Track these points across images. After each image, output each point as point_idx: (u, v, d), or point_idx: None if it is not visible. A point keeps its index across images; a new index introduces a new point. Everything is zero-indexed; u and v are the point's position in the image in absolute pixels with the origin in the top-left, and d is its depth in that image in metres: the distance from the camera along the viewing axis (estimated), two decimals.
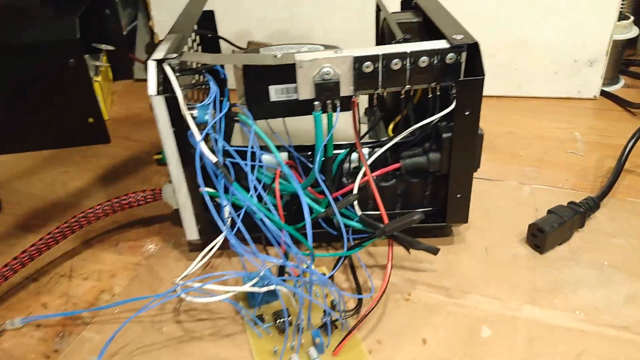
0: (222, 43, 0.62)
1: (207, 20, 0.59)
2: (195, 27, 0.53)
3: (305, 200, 0.42)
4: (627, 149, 0.57)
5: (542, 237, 0.48)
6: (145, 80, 0.89)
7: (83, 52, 0.64)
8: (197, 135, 0.41)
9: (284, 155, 0.48)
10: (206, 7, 0.57)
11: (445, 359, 0.39)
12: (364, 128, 0.54)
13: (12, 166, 0.67)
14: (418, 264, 0.48)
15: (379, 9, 0.59)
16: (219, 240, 0.44)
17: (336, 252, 0.50)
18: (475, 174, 0.59)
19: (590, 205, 0.51)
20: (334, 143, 0.46)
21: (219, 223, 0.41)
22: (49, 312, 0.45)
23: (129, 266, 0.50)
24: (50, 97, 0.66)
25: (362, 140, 0.47)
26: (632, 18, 0.77)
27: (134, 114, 0.80)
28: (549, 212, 0.50)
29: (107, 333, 0.42)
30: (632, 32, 0.76)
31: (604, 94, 0.77)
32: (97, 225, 0.54)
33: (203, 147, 0.41)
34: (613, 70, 0.79)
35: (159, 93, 0.41)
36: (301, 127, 0.49)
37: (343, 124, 0.44)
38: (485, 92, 0.42)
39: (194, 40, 0.56)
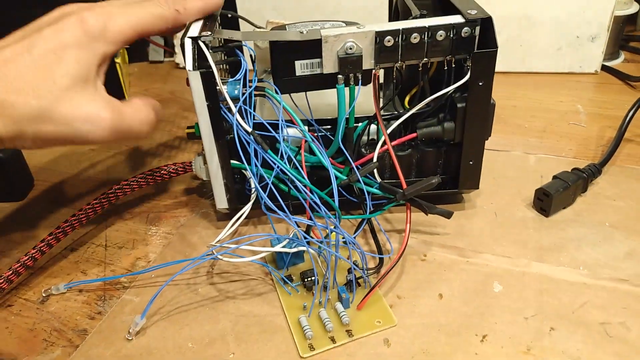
0: (241, 23, 0.64)
1: (228, 1, 0.61)
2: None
3: (330, 166, 0.45)
4: (627, 119, 0.60)
5: (547, 200, 0.51)
6: (159, 62, 0.93)
7: None
8: (233, 108, 0.44)
9: (306, 130, 0.50)
10: None
11: (461, 311, 0.43)
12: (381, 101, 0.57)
13: None
14: (432, 227, 0.52)
15: None
16: (248, 206, 0.48)
17: (360, 214, 0.53)
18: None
19: (593, 171, 0.54)
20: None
21: (256, 186, 0.44)
22: (88, 278, 0.49)
23: (161, 235, 0.53)
24: None
25: (385, 104, 0.50)
26: None
27: (151, 94, 0.83)
28: (554, 177, 0.53)
29: (145, 295, 0.46)
30: (633, 8, 0.79)
31: (604, 68, 0.80)
32: (127, 198, 0.58)
33: (238, 118, 0.44)
34: (613, 45, 0.82)
35: (194, 68, 0.44)
36: (321, 102, 0.52)
37: (361, 99, 0.47)
38: None
39: (215, 20, 0.58)
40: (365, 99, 0.48)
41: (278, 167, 0.44)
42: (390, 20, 0.64)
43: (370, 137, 0.52)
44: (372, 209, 0.49)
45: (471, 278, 0.46)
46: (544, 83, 0.78)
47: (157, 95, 0.82)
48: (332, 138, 0.49)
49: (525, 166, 0.60)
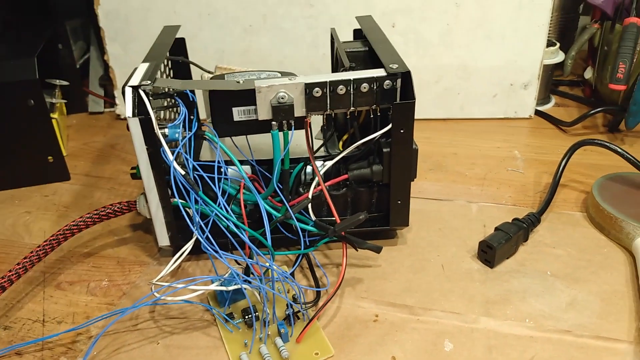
0: (192, 67, 0.65)
1: (179, 47, 0.63)
2: (167, 54, 0.56)
3: (264, 207, 0.48)
4: (561, 168, 0.63)
5: (491, 253, 0.53)
6: (99, 113, 0.91)
7: (42, 92, 0.65)
8: (169, 154, 0.46)
9: (247, 168, 0.54)
10: None
11: None
12: (319, 144, 0.59)
13: None
14: (383, 282, 0.52)
15: (333, 38, 0.64)
16: (190, 244, 0.49)
17: (295, 250, 0.55)
18: (427, 195, 0.65)
19: (532, 221, 0.56)
20: (293, 157, 0.52)
21: (192, 227, 0.46)
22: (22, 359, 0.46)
23: (102, 308, 0.51)
24: (9, 137, 0.66)
25: (315, 154, 0.54)
26: (558, 44, 0.84)
27: (91, 148, 0.80)
28: (496, 229, 0.55)
29: None
30: (559, 57, 0.84)
31: (538, 113, 0.84)
32: (65, 267, 0.55)
33: (174, 163, 0.46)
34: (544, 91, 0.86)
35: (134, 115, 0.46)
36: (262, 142, 0.55)
37: (300, 140, 0.50)
38: (431, 115, 0.49)
39: (166, 65, 0.59)
40: (303, 140, 0.51)
41: (214, 212, 0.46)
42: (332, 69, 0.67)
43: (307, 177, 0.55)
44: (307, 245, 0.51)
45: (422, 337, 0.46)
46: (482, 128, 0.82)
47: (98, 150, 0.79)
48: (270, 176, 0.51)
49: (468, 215, 0.62)
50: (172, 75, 0.64)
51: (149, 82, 0.47)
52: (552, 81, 0.88)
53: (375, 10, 0.76)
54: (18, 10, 0.86)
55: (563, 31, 0.95)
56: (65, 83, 0.81)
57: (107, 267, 0.55)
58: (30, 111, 0.65)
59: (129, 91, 0.46)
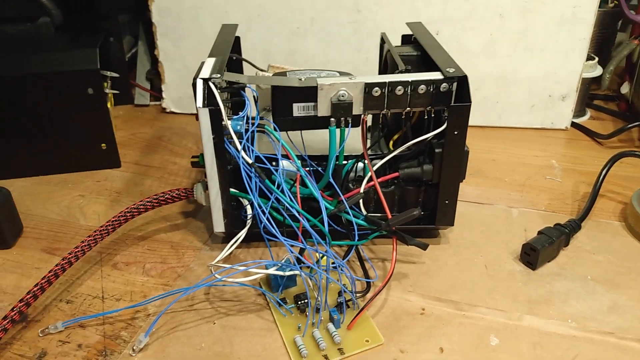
0: (245, 65, 0.67)
1: (234, 45, 0.65)
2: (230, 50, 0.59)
3: (320, 197, 0.50)
4: (602, 176, 0.64)
5: (534, 255, 0.54)
6: (145, 105, 0.93)
7: (102, 82, 0.68)
8: (238, 144, 0.49)
9: (299, 163, 0.56)
10: None
11: None
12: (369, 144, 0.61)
13: (27, 190, 0.69)
14: (425, 278, 0.54)
15: (383, 42, 0.66)
16: (245, 229, 0.52)
17: (348, 241, 0.56)
18: (469, 199, 0.67)
19: (574, 227, 0.58)
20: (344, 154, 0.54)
21: (256, 208, 0.48)
22: (86, 332, 0.48)
23: (159, 288, 0.53)
24: (67, 122, 0.69)
25: (372, 145, 0.56)
26: (596, 59, 0.86)
27: (139, 139, 0.83)
28: (539, 232, 0.56)
29: (146, 350, 0.46)
30: (597, 71, 0.86)
31: (574, 125, 0.86)
32: (120, 248, 0.58)
33: (243, 153, 0.49)
34: (581, 104, 0.88)
35: (204, 106, 0.48)
36: (314, 140, 0.57)
37: (349, 140, 0.52)
38: (470, 122, 0.50)
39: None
40: (352, 140, 0.53)
41: (274, 195, 0.48)
42: (380, 71, 0.69)
43: (357, 174, 0.57)
44: (358, 239, 0.53)
45: (469, 331, 0.47)
46: (519, 137, 0.83)
47: (145, 140, 0.82)
48: (323, 173, 0.53)
49: (509, 219, 0.63)
50: (226, 71, 0.66)
51: (218, 75, 0.49)
52: (588, 95, 0.90)
53: (420, 18, 0.78)
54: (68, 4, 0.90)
55: (600, 46, 0.96)
56: (115, 75, 0.84)
57: (161, 251, 0.58)
58: (89, 99, 0.68)
59: (200, 83, 0.48)
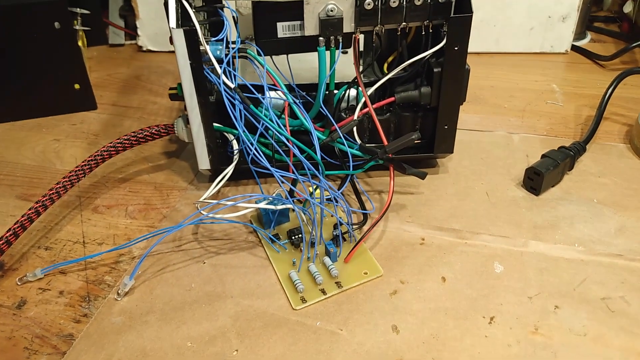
0: None
1: None
2: None
3: (311, 126, 0.46)
4: (605, 99, 0.61)
5: (538, 179, 0.52)
6: (120, 45, 0.88)
7: (69, 14, 0.62)
8: (217, 67, 0.44)
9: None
10: None
11: (466, 294, 0.42)
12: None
13: None
14: (424, 206, 0.51)
15: None
16: (232, 165, 0.49)
17: (343, 171, 0.53)
18: (467, 126, 0.63)
19: (579, 149, 0.55)
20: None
21: (244, 142, 0.44)
22: (67, 278, 0.45)
23: (143, 230, 0.50)
24: (35, 62, 0.64)
25: (365, 69, 0.52)
26: None
27: (115, 79, 0.78)
28: (543, 156, 0.53)
29: (131, 294, 0.43)
30: None
31: (574, 48, 0.81)
32: (100, 191, 0.55)
33: (224, 77, 0.44)
34: (581, 26, 0.83)
35: (178, 26, 0.44)
36: (302, 67, 0.53)
37: (339, 66, 0.48)
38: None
39: None
40: (342, 66, 0.49)
41: (262, 124, 0.44)
42: None
43: (349, 103, 0.53)
44: (353, 169, 0.50)
45: (471, 260, 0.45)
46: (518, 63, 0.79)
47: (122, 80, 0.77)
48: (313, 103, 0.49)
49: (510, 145, 0.60)
50: None
51: None
52: (589, 16, 0.85)
53: None
54: None
55: None
56: (86, 12, 0.78)
57: (144, 192, 0.55)
58: (56, 35, 0.62)
59: (172, 1, 0.44)
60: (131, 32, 0.86)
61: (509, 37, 0.80)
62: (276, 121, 0.44)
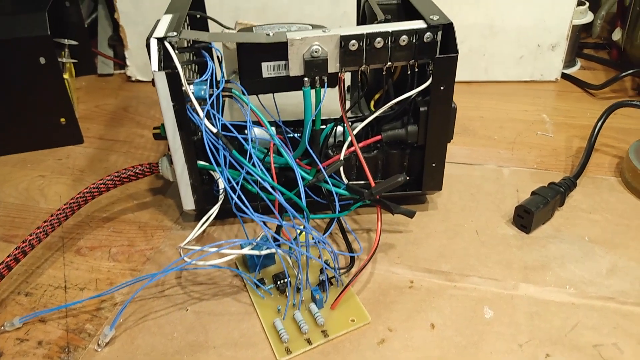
0: (210, 23, 0.62)
1: (196, 3, 0.60)
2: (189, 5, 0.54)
3: (297, 166, 0.45)
4: (597, 129, 0.60)
5: (528, 217, 0.51)
6: (109, 75, 0.87)
7: (54, 50, 0.61)
8: (200, 111, 0.44)
9: (273, 130, 0.51)
10: None
11: (455, 341, 0.41)
12: (347, 105, 0.56)
13: None
14: (415, 246, 0.50)
15: None
16: (217, 207, 0.48)
17: (328, 214, 0.53)
18: (456, 160, 0.63)
19: (569, 185, 0.54)
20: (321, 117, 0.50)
21: (225, 186, 0.43)
22: (47, 327, 0.44)
23: (126, 274, 0.49)
24: (20, 97, 0.63)
25: (351, 107, 0.51)
26: (587, 4, 0.81)
27: (103, 111, 0.77)
28: (533, 193, 0.53)
29: (114, 340, 0.42)
30: (588, 17, 0.81)
31: (564, 76, 0.81)
32: (84, 232, 0.54)
33: (206, 121, 0.43)
34: (571, 53, 0.83)
35: (160, 69, 0.43)
36: (288, 103, 0.52)
37: (327, 101, 0.47)
38: (455, 77, 0.45)
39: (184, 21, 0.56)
40: (330, 101, 0.48)
41: (245, 169, 0.44)
42: (358, 23, 0.64)
43: (337, 140, 0.52)
44: (339, 210, 0.49)
45: (461, 304, 0.44)
46: (508, 92, 0.79)
47: (109, 112, 0.76)
48: (299, 139, 0.49)
49: (500, 180, 0.59)
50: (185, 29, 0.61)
51: (175, 33, 0.44)
52: (578, 43, 0.85)
53: None
54: None
55: None
56: (74, 43, 0.78)
57: (128, 232, 0.53)
58: (41, 70, 0.62)
59: (154, 43, 0.43)
60: (120, 61, 0.86)
61: (498, 66, 0.80)
62: (259, 166, 0.43)
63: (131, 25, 0.79)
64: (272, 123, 0.52)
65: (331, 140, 0.52)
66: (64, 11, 0.80)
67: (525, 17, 0.76)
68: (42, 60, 0.61)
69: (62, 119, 0.66)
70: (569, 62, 0.84)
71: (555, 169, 0.61)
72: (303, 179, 0.47)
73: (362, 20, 0.61)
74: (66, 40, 0.77)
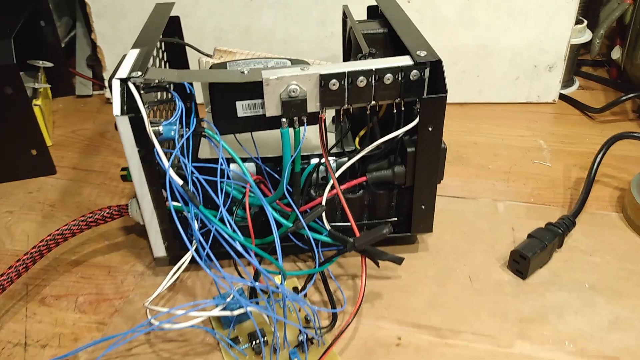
0: (188, 49, 0.58)
1: (173, 27, 0.57)
2: (161, 36, 0.51)
3: (272, 216, 0.42)
4: (596, 164, 0.57)
5: (524, 263, 0.48)
6: (88, 96, 0.83)
7: (21, 79, 0.58)
8: (165, 160, 0.40)
9: (251, 166, 0.49)
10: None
11: None
12: (331, 137, 0.53)
13: None
14: (405, 296, 0.47)
15: (345, 16, 0.57)
16: (186, 259, 0.45)
17: (307, 269, 0.49)
18: (449, 192, 0.59)
19: (567, 225, 0.51)
20: (303, 154, 0.47)
21: (187, 244, 0.39)
22: None
23: (92, 327, 0.45)
24: None
25: (333, 147, 0.48)
26: (585, 22, 0.77)
27: (79, 137, 0.73)
28: (529, 236, 0.49)
29: None
30: (586, 36, 0.78)
31: (562, 97, 0.78)
32: (50, 277, 0.50)
33: (171, 172, 0.40)
34: (569, 73, 0.80)
35: (123, 113, 0.40)
36: (269, 137, 0.49)
37: (311, 134, 0.44)
38: (447, 99, 0.42)
39: (159, 49, 0.53)
40: (315, 135, 0.45)
41: (215, 227, 0.40)
42: (344, 50, 0.60)
43: (321, 176, 0.49)
44: (321, 261, 0.46)
45: None
46: (502, 114, 0.76)
47: (87, 138, 0.73)
48: (279, 178, 0.46)
49: (494, 216, 0.56)
50: (165, 59, 0.58)
51: (139, 73, 0.40)
52: (577, 62, 0.82)
53: None
54: None
55: (587, 7, 0.88)
56: (49, 64, 0.74)
57: (97, 278, 0.50)
58: (8, 100, 0.58)
59: (116, 84, 0.40)
60: (99, 82, 0.82)
61: (492, 87, 0.76)
62: (229, 222, 0.40)
63: (109, 45, 0.76)
64: (250, 159, 0.48)
65: (315, 176, 0.49)
66: (38, 31, 0.77)
67: (520, 37, 0.72)
68: (9, 90, 0.58)
69: (33, 150, 0.63)
70: (567, 82, 0.81)
71: (553, 203, 0.58)
72: (280, 225, 0.44)
73: (348, 47, 0.58)
74: (41, 62, 0.74)
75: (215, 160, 0.44)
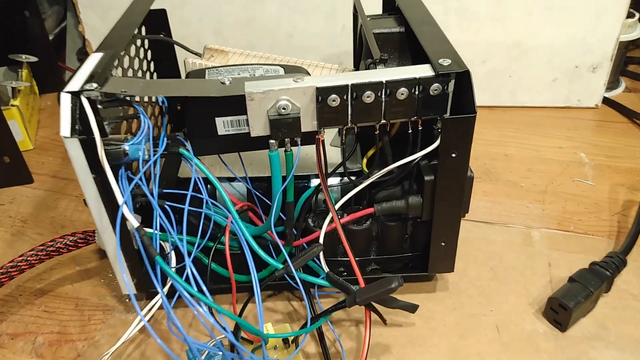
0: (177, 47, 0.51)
1: (158, 21, 0.50)
2: (136, 32, 0.44)
3: (251, 259, 0.35)
4: None
5: (565, 314, 0.39)
6: None
7: None
8: (119, 196, 0.32)
9: (241, 187, 0.42)
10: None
11: None
12: (336, 153, 0.45)
13: None
14: (418, 351, 0.39)
15: (356, 11, 0.49)
16: (157, 299, 0.38)
17: (298, 329, 0.41)
18: (474, 216, 0.51)
19: (617, 265, 0.42)
20: (300, 174, 0.41)
21: (158, 287, 0.31)
22: None
23: None
24: None
25: (333, 172, 0.40)
26: (637, 15, 0.68)
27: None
28: (571, 280, 0.41)
29: None
30: (637, 32, 0.68)
31: (605, 101, 0.69)
32: (10, 310, 0.44)
33: (125, 211, 0.32)
34: (615, 73, 0.70)
35: (73, 134, 0.33)
36: (261, 152, 0.39)
37: (311, 148, 0.36)
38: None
39: (140, 47, 0.47)
40: (315, 152, 0.36)
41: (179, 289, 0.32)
42: (354, 50, 0.52)
43: (323, 199, 0.41)
44: (313, 315, 0.38)
45: None
46: (538, 121, 0.66)
47: None
48: (269, 202, 0.39)
49: (528, 248, 0.48)
50: (150, 58, 0.50)
51: (95, 85, 0.33)
52: (624, 61, 0.72)
53: None
54: None
55: None
56: (33, 59, 0.68)
57: (61, 313, 0.43)
58: None
59: (66, 99, 0.33)
60: None
61: (526, 89, 0.67)
62: (194, 278, 0.32)
63: (97, 38, 0.68)
64: (235, 180, 0.41)
65: (314, 202, 0.41)
66: (23, 23, 0.70)
67: (560, 34, 0.63)
68: None
69: (6, 158, 0.56)
70: (612, 83, 0.71)
71: (597, 232, 0.49)
72: (267, 265, 0.37)
73: (358, 46, 0.50)
74: (24, 56, 0.67)
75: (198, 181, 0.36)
